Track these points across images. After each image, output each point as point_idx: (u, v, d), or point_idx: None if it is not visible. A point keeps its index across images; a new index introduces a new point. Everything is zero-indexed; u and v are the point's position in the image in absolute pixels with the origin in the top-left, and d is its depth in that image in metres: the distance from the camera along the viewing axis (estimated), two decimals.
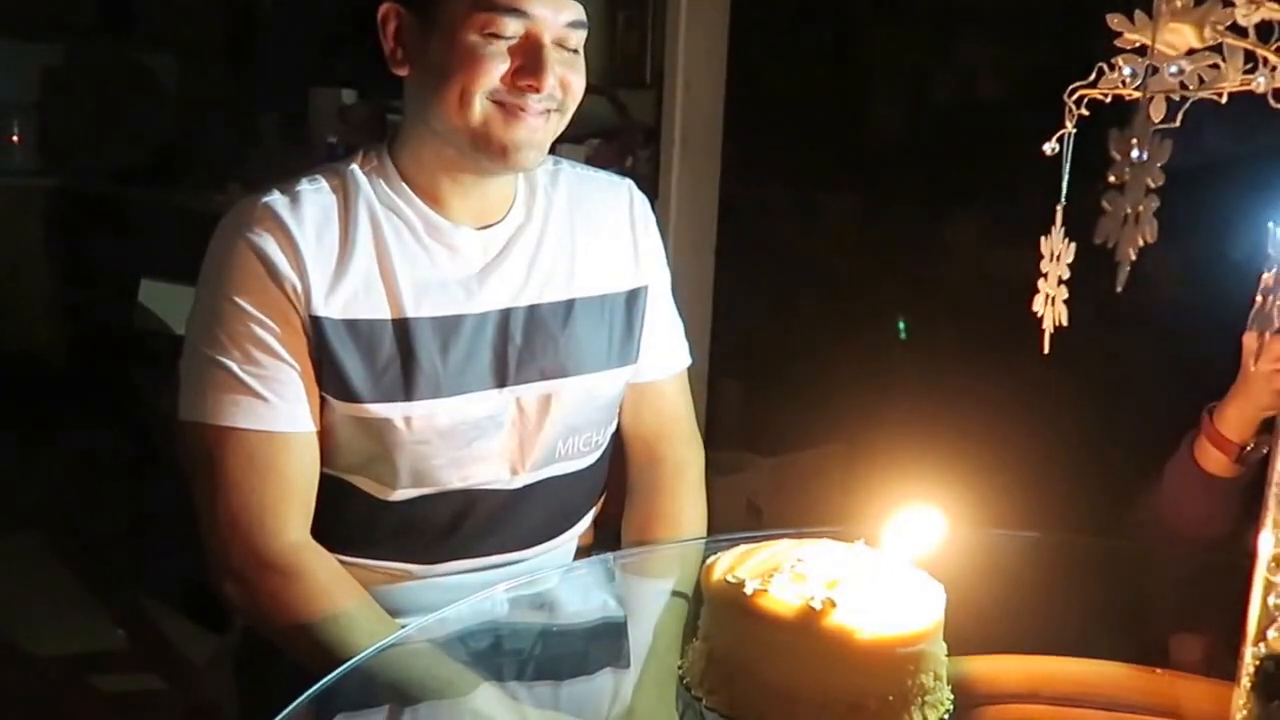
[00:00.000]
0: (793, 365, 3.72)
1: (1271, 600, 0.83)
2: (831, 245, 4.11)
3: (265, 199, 1.54)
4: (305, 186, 1.56)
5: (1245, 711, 0.86)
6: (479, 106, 1.48)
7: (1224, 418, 1.68)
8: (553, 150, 1.63)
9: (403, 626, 1.51)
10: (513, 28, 1.47)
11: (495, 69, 1.47)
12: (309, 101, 4.30)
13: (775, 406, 3.59)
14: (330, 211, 1.55)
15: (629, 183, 1.80)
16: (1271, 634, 0.83)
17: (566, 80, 1.52)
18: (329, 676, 1.26)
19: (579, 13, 1.52)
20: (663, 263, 1.81)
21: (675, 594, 1.63)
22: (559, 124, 1.56)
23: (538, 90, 1.48)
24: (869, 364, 3.64)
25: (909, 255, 3.80)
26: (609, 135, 3.62)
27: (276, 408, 1.51)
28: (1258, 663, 0.84)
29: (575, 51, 1.53)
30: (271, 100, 4.65)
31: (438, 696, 1.36)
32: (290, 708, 1.20)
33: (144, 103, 5.19)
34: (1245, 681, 0.85)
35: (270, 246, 1.50)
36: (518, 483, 1.64)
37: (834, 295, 3.96)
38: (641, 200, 1.78)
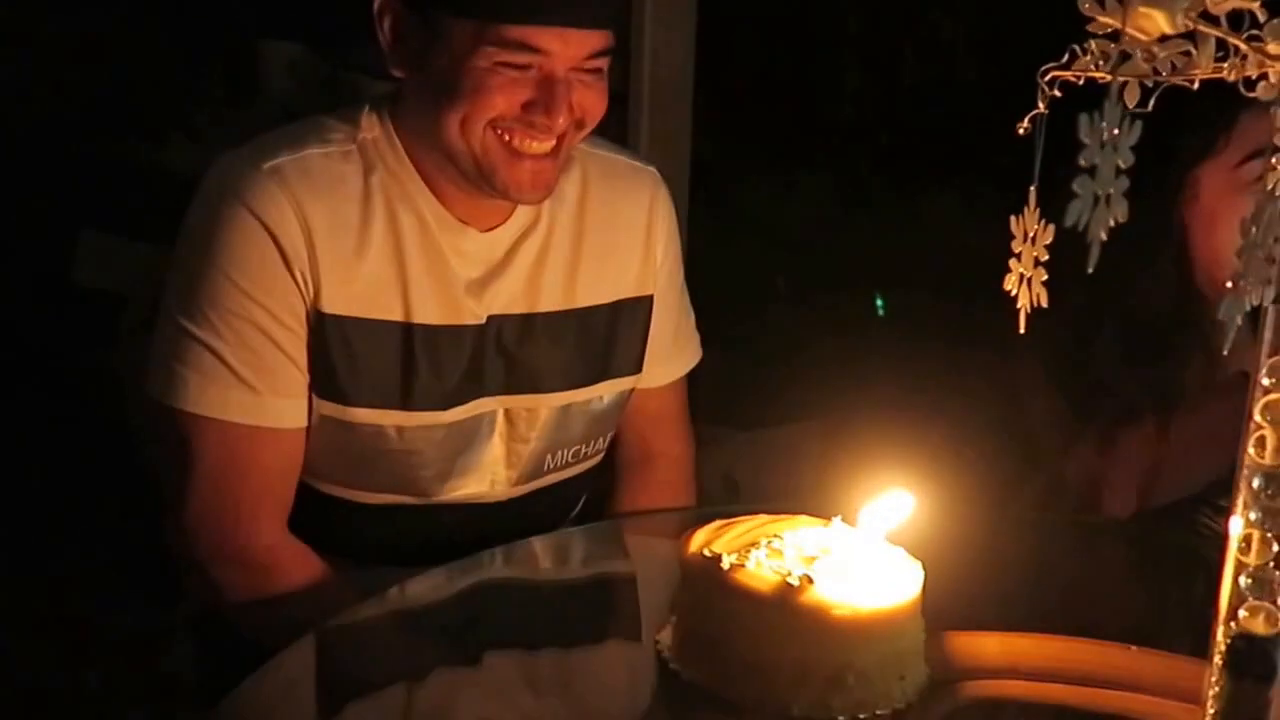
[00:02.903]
0: (770, 338, 3.73)
1: (1242, 580, 0.85)
2: (807, 216, 4.12)
3: (270, 162, 1.39)
4: (314, 149, 1.42)
5: (1217, 689, 0.87)
6: (481, 135, 1.36)
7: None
8: None
9: None
10: (524, 59, 1.33)
11: (502, 101, 1.35)
12: (257, 54, 4.17)
13: (752, 380, 3.59)
14: (346, 185, 1.42)
15: (653, 176, 1.65)
16: (1242, 613, 0.85)
17: (584, 103, 1.39)
18: (288, 649, 1.24)
19: (604, 41, 1.37)
20: (677, 264, 1.69)
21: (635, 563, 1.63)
22: (573, 142, 1.44)
23: (550, 126, 1.36)
24: (847, 338, 3.64)
25: (887, 228, 3.81)
26: None
27: (266, 401, 1.41)
28: (1229, 641, 0.86)
29: (598, 71, 1.40)
30: (217, 51, 4.52)
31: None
32: (249, 679, 1.19)
33: (81, 49, 5.06)
34: (1217, 659, 0.87)
35: (279, 226, 1.37)
36: (506, 495, 1.57)
37: (810, 267, 3.97)
38: (663, 195, 1.64)
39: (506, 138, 1.37)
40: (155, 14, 4.92)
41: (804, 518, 1.26)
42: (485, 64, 1.32)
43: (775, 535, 1.20)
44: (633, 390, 1.65)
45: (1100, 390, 1.73)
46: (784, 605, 1.11)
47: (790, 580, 1.12)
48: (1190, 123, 1.64)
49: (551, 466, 1.59)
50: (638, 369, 1.64)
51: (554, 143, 1.39)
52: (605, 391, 1.60)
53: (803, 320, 3.71)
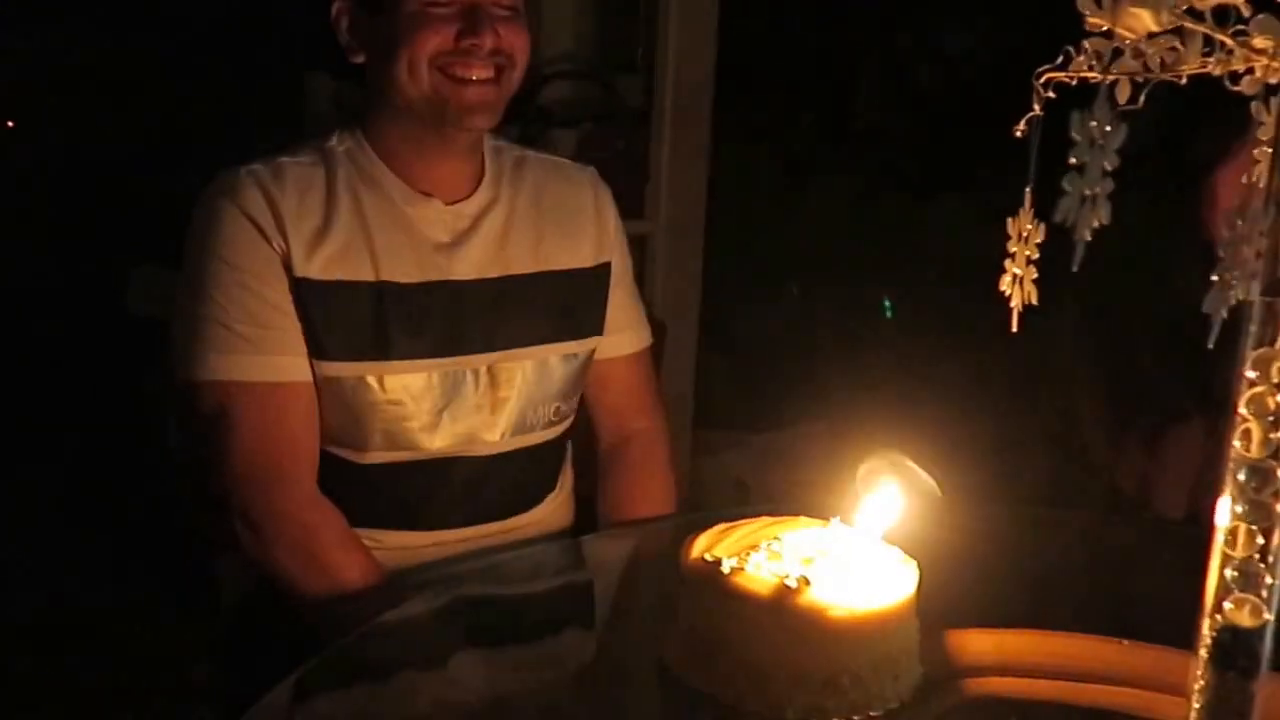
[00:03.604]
0: (781, 343, 3.74)
1: (1228, 573, 0.84)
2: (819, 225, 4.12)
3: (248, 167, 1.61)
4: (286, 159, 1.64)
5: (1203, 682, 0.87)
6: (427, 74, 1.57)
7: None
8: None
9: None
10: None
11: (437, 35, 1.56)
12: (303, 86, 4.28)
13: (763, 384, 3.60)
14: (312, 181, 1.63)
15: (592, 170, 1.88)
16: (1228, 605, 0.85)
17: (507, 36, 1.59)
18: (312, 661, 1.26)
19: None
20: (624, 246, 1.87)
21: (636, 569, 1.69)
22: (511, 81, 1.63)
23: (480, 48, 1.56)
24: (856, 342, 3.65)
25: (896, 235, 3.82)
26: (599, 119, 3.62)
27: (278, 359, 1.57)
28: (1214, 634, 0.86)
29: (513, 9, 1.61)
30: (265, 85, 4.61)
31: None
32: (275, 689, 1.20)
33: (135, 87, 5.16)
34: (1203, 652, 0.87)
35: (254, 209, 1.57)
36: (491, 450, 1.70)
37: (822, 274, 3.97)
38: (604, 187, 1.86)
39: (449, 70, 1.57)
40: (204, 51, 5.00)
41: (803, 519, 1.26)
42: (415, 8, 1.55)
43: (775, 538, 1.21)
44: (594, 353, 1.81)
45: (1145, 394, 1.75)
46: (782, 607, 1.12)
47: (788, 583, 1.12)
48: (1208, 128, 1.65)
49: (534, 423, 1.73)
50: (600, 329, 1.81)
51: (491, 72, 1.59)
52: (577, 349, 1.77)
53: (812, 325, 3.71)
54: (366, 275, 1.61)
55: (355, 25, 1.63)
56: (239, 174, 1.60)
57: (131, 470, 3.55)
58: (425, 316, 1.63)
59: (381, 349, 1.61)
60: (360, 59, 1.64)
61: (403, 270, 1.63)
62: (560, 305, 1.75)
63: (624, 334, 1.86)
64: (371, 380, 1.60)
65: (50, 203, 4.97)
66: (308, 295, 1.58)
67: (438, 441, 1.66)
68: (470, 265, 1.68)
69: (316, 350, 1.59)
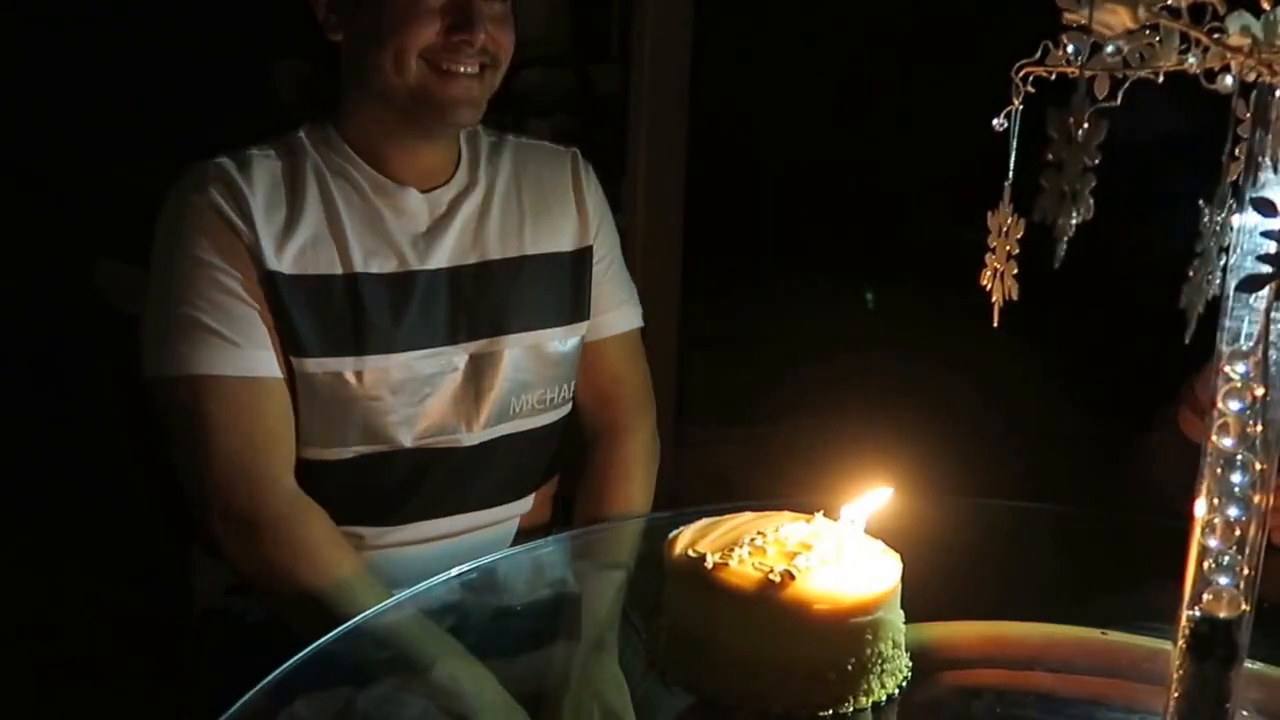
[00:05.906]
0: (765, 338, 3.74)
1: (1206, 564, 0.85)
2: (801, 218, 4.12)
3: (215, 160, 1.58)
4: (254, 152, 1.61)
5: (1181, 672, 0.88)
6: (414, 66, 1.54)
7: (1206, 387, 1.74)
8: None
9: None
10: None
11: (427, 28, 1.53)
12: (272, 74, 4.24)
13: (748, 379, 3.60)
14: (278, 175, 1.60)
15: (574, 150, 1.84)
16: (1206, 597, 0.86)
17: (497, 35, 1.57)
18: (290, 661, 1.25)
19: None
20: (609, 226, 1.83)
21: (620, 567, 1.68)
22: (494, 79, 1.61)
23: (471, 44, 1.54)
24: (841, 337, 3.65)
25: (880, 228, 3.82)
26: (575, 108, 3.61)
27: (250, 353, 1.53)
28: (1192, 625, 0.87)
29: (504, 3, 1.59)
30: (232, 73, 4.56)
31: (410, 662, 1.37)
32: (251, 693, 1.19)
33: (98, 77, 5.08)
34: (1181, 643, 0.88)
35: (222, 202, 1.54)
36: (473, 440, 1.67)
37: (805, 268, 3.97)
38: (585, 166, 1.83)
39: (437, 63, 1.55)
40: (170, 39, 4.92)
41: (787, 514, 1.27)
42: None
43: (759, 532, 1.21)
44: (583, 339, 1.78)
45: None
46: (766, 602, 1.12)
47: (771, 577, 1.13)
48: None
49: (517, 410, 1.70)
50: (587, 315, 1.78)
51: (478, 68, 1.57)
52: (560, 335, 1.73)
53: (796, 319, 3.71)
54: (338, 268, 1.58)
55: (335, 2, 1.59)
56: (207, 167, 1.58)
57: (97, 473, 3.50)
58: (403, 308, 1.60)
59: (358, 343, 1.58)
60: (338, 37, 1.61)
61: (377, 261, 1.60)
62: (542, 291, 1.71)
63: (611, 314, 1.82)
64: (349, 376, 1.57)
65: (6, 195, 4.85)
66: (279, 289, 1.55)
67: (418, 435, 1.63)
68: (448, 253, 1.65)
69: (290, 346, 1.56)
